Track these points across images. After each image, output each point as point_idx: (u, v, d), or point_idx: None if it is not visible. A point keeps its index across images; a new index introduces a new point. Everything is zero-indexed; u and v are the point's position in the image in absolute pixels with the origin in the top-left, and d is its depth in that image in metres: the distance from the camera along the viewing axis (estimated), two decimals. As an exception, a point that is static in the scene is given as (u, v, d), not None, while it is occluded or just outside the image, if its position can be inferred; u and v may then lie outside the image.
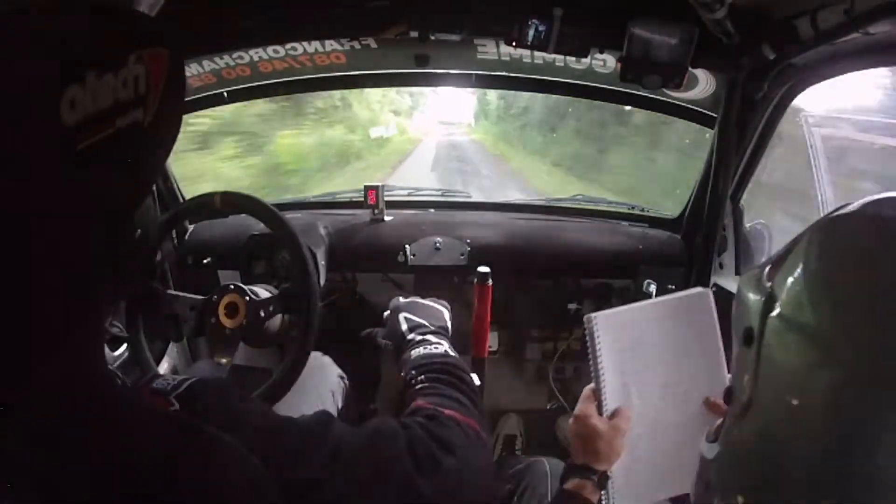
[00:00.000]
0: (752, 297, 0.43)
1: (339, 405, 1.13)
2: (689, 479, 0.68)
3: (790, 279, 0.40)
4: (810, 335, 0.37)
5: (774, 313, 0.40)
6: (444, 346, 0.73)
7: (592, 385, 0.74)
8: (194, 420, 0.39)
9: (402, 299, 0.86)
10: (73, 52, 0.30)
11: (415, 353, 0.72)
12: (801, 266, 0.39)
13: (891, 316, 0.34)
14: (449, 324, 0.84)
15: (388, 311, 0.86)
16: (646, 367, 0.73)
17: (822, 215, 0.43)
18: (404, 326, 0.79)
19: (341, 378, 1.20)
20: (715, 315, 0.74)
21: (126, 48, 0.33)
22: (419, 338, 0.76)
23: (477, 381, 0.69)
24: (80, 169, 0.31)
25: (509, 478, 0.99)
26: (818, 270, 0.38)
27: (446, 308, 0.88)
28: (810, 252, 0.39)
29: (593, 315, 0.73)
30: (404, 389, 0.68)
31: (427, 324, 0.80)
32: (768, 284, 0.41)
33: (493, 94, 9.34)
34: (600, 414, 0.72)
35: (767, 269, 0.43)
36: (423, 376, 0.66)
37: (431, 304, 0.86)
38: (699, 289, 0.76)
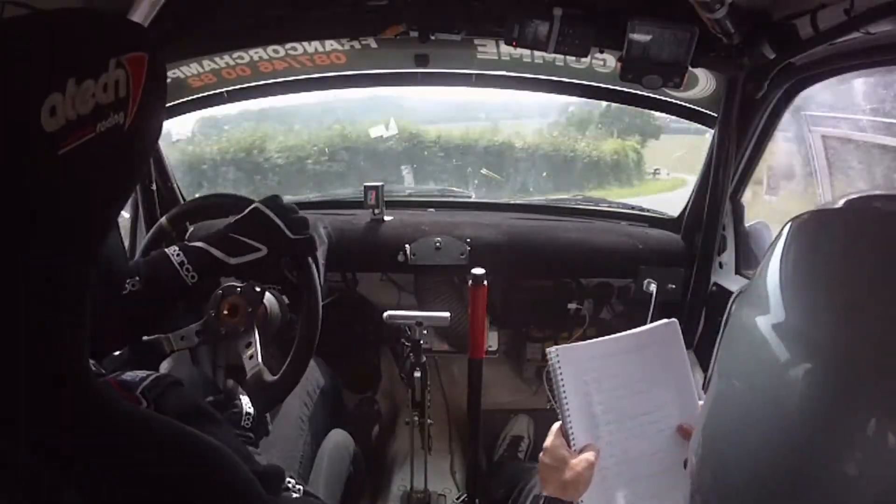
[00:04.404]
0: (733, 291, 0.46)
1: (321, 401, 1.15)
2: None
3: (760, 269, 0.42)
4: (764, 319, 0.38)
5: (739, 300, 0.42)
6: None
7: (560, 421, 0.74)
8: (174, 422, 0.41)
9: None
10: (52, 61, 0.30)
11: None
12: (771, 256, 0.41)
13: (852, 304, 0.35)
14: None
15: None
16: (614, 400, 0.74)
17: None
18: None
19: (330, 377, 1.21)
20: (682, 344, 0.75)
21: (106, 54, 0.33)
22: None
23: None
24: (62, 173, 0.31)
25: (506, 482, 0.99)
26: (785, 259, 0.40)
27: None
28: (781, 243, 0.41)
29: (554, 349, 0.73)
30: None
31: None
32: (746, 278, 0.43)
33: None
34: (569, 447, 0.72)
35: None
36: None
37: None
38: (665, 320, 0.76)
